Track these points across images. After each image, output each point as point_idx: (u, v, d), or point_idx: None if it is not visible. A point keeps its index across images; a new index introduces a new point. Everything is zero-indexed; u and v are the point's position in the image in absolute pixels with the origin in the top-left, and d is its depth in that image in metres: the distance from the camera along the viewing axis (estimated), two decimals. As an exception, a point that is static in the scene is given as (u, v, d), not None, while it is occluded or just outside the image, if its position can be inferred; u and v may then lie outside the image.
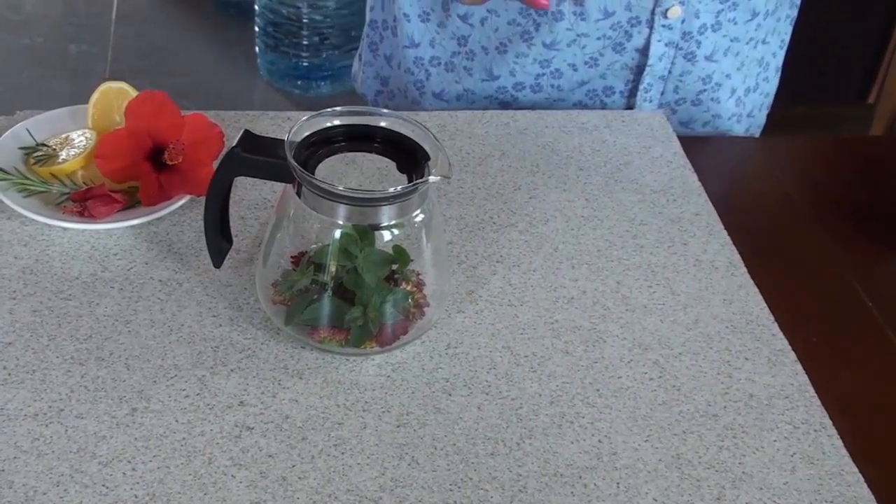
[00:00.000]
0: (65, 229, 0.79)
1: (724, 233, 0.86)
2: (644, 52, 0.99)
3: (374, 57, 1.13)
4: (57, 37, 2.64)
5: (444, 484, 0.64)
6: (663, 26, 0.97)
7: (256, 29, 2.50)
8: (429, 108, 1.06)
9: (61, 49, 2.59)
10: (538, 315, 0.77)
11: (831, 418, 0.71)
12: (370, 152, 0.70)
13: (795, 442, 0.69)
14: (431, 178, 0.66)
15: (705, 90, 1.04)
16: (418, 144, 0.68)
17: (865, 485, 0.67)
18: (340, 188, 0.64)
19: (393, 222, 0.67)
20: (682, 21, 0.97)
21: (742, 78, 1.05)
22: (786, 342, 0.77)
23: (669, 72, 1.01)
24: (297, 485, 0.63)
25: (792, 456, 0.68)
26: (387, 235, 0.68)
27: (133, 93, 0.85)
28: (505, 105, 1.03)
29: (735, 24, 1.00)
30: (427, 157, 0.67)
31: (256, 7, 2.47)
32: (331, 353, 0.71)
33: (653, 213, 0.88)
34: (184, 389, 0.68)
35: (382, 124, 0.69)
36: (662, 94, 1.03)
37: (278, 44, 2.47)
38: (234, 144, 0.67)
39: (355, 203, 0.66)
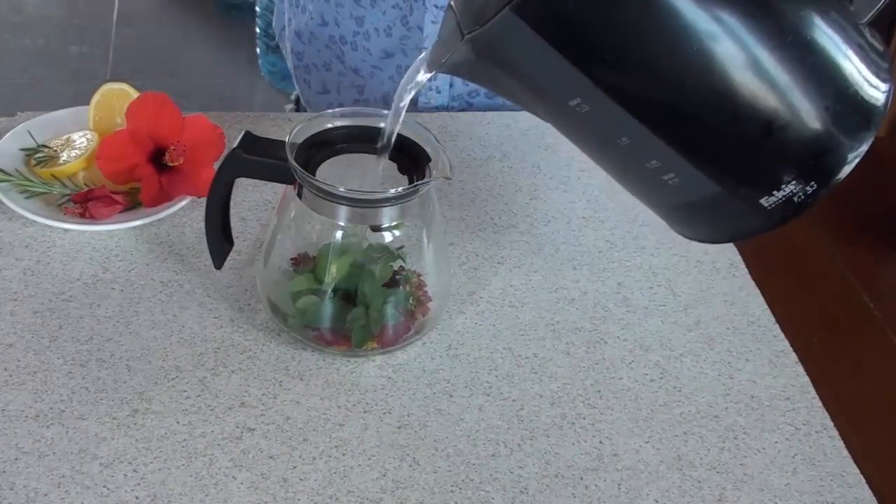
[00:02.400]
0: (66, 231, 0.79)
1: (726, 234, 0.86)
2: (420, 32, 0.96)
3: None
4: (58, 38, 2.64)
5: (445, 485, 0.64)
6: (436, 6, 0.94)
7: (258, 30, 2.50)
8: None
9: (62, 50, 2.60)
10: (539, 316, 0.77)
11: (832, 419, 0.71)
12: (371, 153, 0.70)
13: (797, 443, 0.69)
14: (432, 180, 0.66)
15: None
16: (419, 146, 0.68)
17: (867, 486, 0.67)
18: (341, 189, 0.64)
19: (394, 223, 0.67)
20: None
21: None
22: (787, 343, 0.77)
23: None
24: (298, 486, 0.63)
25: (793, 457, 0.68)
26: (388, 236, 0.68)
27: (134, 94, 0.85)
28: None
29: None
30: (428, 159, 0.67)
31: (257, 8, 2.47)
32: (332, 355, 0.71)
33: (654, 214, 0.88)
34: (185, 391, 0.68)
35: (383, 125, 0.69)
36: (451, 85, 1.00)
37: (278, 45, 2.46)
38: (234, 146, 0.67)
39: (356, 204, 0.66)
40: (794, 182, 0.51)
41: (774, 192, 0.51)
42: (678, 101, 0.51)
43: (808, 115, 0.50)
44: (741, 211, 0.53)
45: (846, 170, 0.51)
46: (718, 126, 0.51)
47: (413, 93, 0.62)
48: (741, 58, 0.49)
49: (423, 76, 0.61)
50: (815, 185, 0.51)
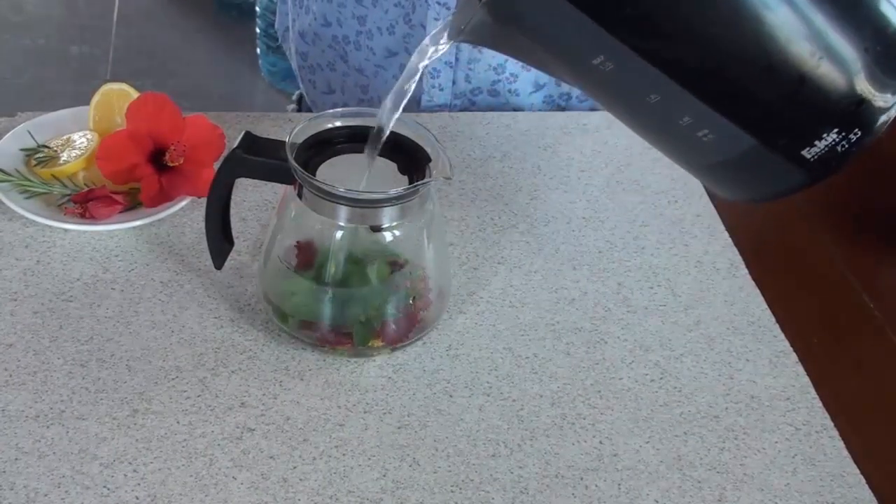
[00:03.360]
0: (66, 231, 0.79)
1: (726, 234, 0.86)
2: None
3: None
4: (58, 38, 2.64)
5: (445, 485, 0.64)
6: (439, 3, 0.93)
7: (258, 30, 2.50)
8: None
9: (63, 50, 2.60)
10: (539, 316, 0.77)
11: (833, 419, 0.71)
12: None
13: (797, 443, 0.69)
14: (432, 180, 0.66)
15: (499, 80, 0.99)
16: (419, 146, 0.68)
17: (867, 486, 0.67)
18: (341, 189, 0.64)
19: (394, 223, 0.67)
20: None
21: (550, 77, 1.00)
22: (787, 343, 0.77)
23: (456, 58, 0.98)
24: (298, 486, 0.63)
25: (793, 457, 0.68)
26: (388, 237, 0.68)
27: (134, 94, 0.85)
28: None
29: None
30: (428, 159, 0.67)
31: (258, 9, 2.47)
32: (332, 355, 0.71)
33: (654, 215, 0.88)
34: (185, 391, 0.68)
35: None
36: (454, 83, 1.00)
37: (279, 45, 2.46)
38: (234, 146, 0.67)
39: (356, 204, 0.66)
40: (836, 131, 0.48)
41: (816, 143, 0.49)
42: (707, 50, 0.48)
43: (846, 58, 0.47)
44: (782, 165, 0.50)
45: (891, 114, 0.48)
46: (751, 74, 0.48)
47: (423, 67, 0.60)
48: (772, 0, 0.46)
49: (443, 46, 0.59)
50: (859, 133, 0.48)
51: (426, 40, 0.60)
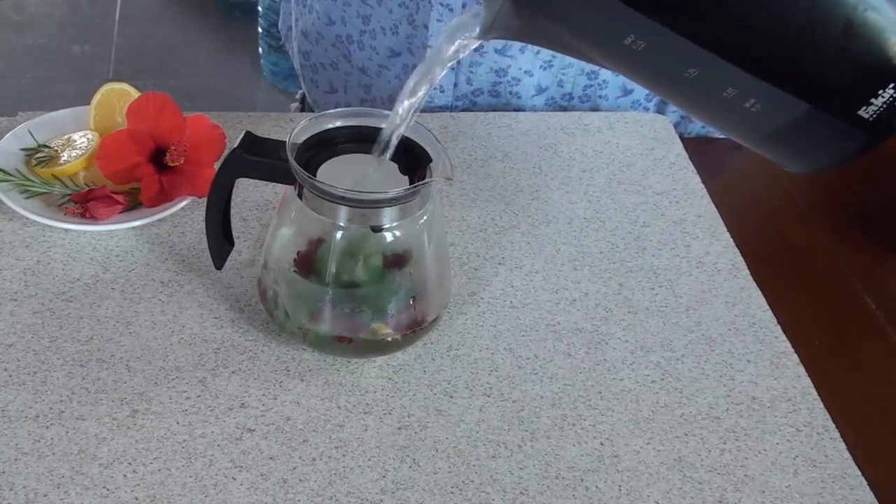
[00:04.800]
0: (66, 231, 0.79)
1: (727, 235, 0.86)
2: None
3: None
4: (60, 38, 2.64)
5: (445, 486, 0.64)
6: (442, 4, 0.94)
7: (260, 30, 2.50)
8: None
9: (64, 50, 2.60)
10: (540, 317, 0.77)
11: (834, 421, 0.71)
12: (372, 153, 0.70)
13: (798, 445, 0.69)
14: (433, 180, 0.66)
15: (500, 82, 0.99)
16: (420, 146, 0.68)
17: (868, 488, 0.67)
18: (342, 190, 0.64)
19: (394, 224, 0.67)
20: (464, 6, 0.93)
21: (553, 78, 1.00)
22: (788, 344, 0.76)
23: (458, 61, 0.98)
24: (298, 487, 0.63)
25: (794, 459, 0.68)
26: (388, 237, 0.68)
27: (135, 94, 0.85)
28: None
29: None
30: (429, 159, 0.67)
31: (260, 8, 2.48)
32: (332, 356, 0.71)
33: (655, 215, 0.88)
34: (185, 391, 0.68)
35: (384, 126, 0.69)
36: (456, 85, 1.00)
37: (281, 45, 2.47)
38: (235, 146, 0.67)
39: (357, 205, 0.66)
40: (892, 86, 0.45)
41: (872, 101, 0.46)
42: (739, 15, 0.46)
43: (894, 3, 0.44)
44: (839, 128, 0.47)
45: None
46: (791, 34, 0.46)
47: (446, 69, 0.59)
48: None
49: (473, 43, 0.57)
50: None
51: (444, 43, 0.59)
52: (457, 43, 0.59)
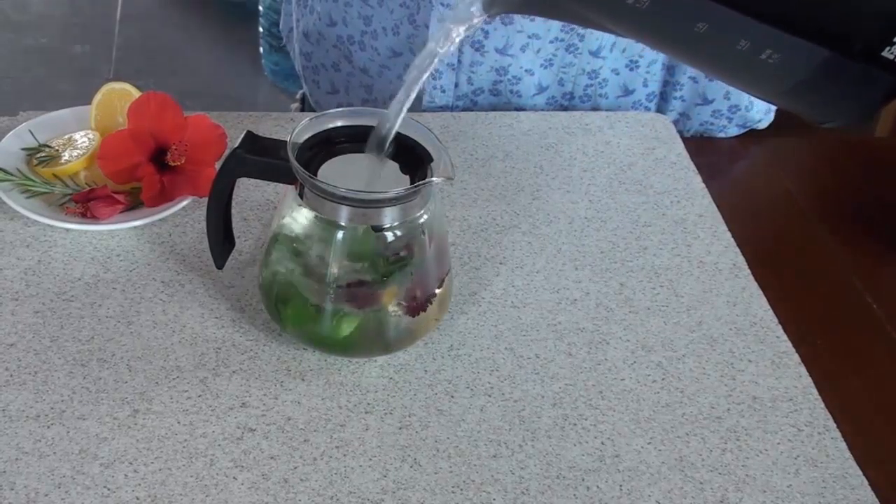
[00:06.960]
0: (67, 230, 0.79)
1: (728, 234, 0.86)
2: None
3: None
4: (61, 37, 2.65)
5: (446, 486, 0.64)
6: (443, 4, 0.93)
7: (261, 29, 2.50)
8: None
9: (65, 49, 2.60)
10: (541, 317, 0.77)
11: (835, 421, 0.71)
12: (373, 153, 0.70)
13: (799, 445, 0.69)
14: (434, 180, 0.66)
15: (501, 81, 0.99)
16: (421, 145, 0.68)
17: (869, 488, 0.67)
18: (342, 189, 0.64)
19: (395, 223, 0.67)
20: None
21: (554, 77, 1.00)
22: (789, 344, 0.76)
23: (459, 61, 0.98)
24: (299, 487, 0.63)
25: (795, 459, 0.68)
26: (389, 237, 0.68)
27: (135, 94, 0.85)
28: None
29: (533, 21, 0.94)
30: (430, 159, 0.67)
31: (260, 8, 2.47)
32: (333, 355, 0.71)
33: (656, 215, 0.88)
34: (186, 391, 0.68)
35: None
36: (456, 85, 1.00)
37: (282, 45, 2.46)
38: (236, 145, 0.67)
39: (357, 204, 0.66)
40: None
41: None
42: None
43: None
44: (864, 73, 0.45)
45: None
46: None
47: (449, 48, 0.58)
48: None
49: (477, 20, 0.56)
50: None
51: (447, 26, 0.58)
52: (461, 28, 0.58)
